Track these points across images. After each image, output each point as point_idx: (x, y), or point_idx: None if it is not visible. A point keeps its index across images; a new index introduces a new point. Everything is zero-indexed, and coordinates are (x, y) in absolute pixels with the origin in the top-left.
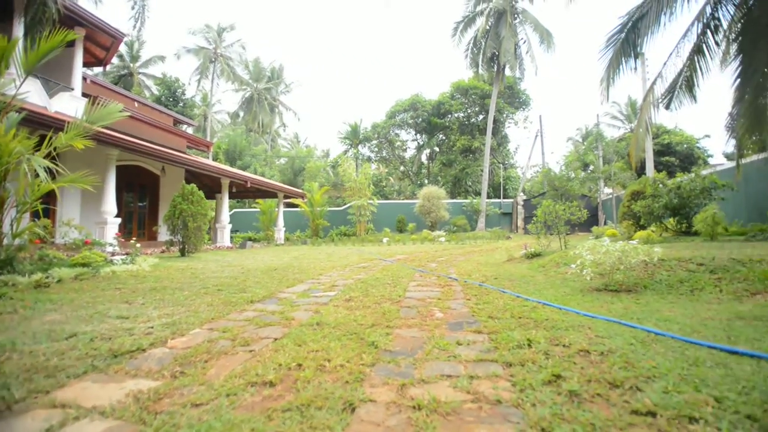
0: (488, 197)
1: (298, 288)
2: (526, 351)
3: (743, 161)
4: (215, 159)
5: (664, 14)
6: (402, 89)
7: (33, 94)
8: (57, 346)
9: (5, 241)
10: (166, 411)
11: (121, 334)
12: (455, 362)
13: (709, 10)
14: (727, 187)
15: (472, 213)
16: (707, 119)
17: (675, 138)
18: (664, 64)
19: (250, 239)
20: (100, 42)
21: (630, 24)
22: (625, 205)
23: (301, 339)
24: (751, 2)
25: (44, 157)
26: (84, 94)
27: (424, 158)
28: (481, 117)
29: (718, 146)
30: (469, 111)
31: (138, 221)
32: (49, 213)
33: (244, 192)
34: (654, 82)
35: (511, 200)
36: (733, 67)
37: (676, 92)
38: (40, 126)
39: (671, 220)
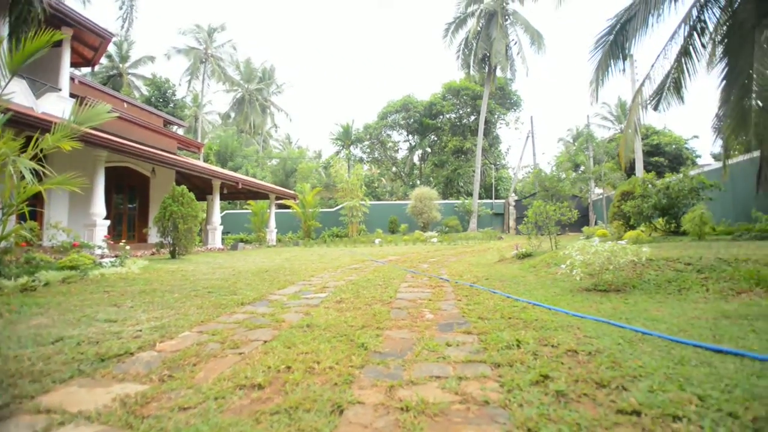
0: (480, 198)
1: (289, 290)
2: (514, 351)
3: (730, 162)
4: (206, 160)
5: (652, 16)
6: (394, 90)
7: (19, 94)
8: (43, 350)
9: None
10: (153, 415)
11: (109, 338)
12: (444, 363)
13: (695, 12)
14: (715, 187)
15: (464, 214)
16: (695, 120)
17: (664, 139)
18: (652, 65)
19: (241, 241)
20: (88, 42)
21: (618, 26)
22: (615, 206)
23: (290, 341)
24: (736, 5)
25: (31, 159)
26: (72, 95)
27: (416, 159)
28: (472, 118)
29: (705, 147)
30: (460, 112)
31: (128, 223)
32: (36, 215)
33: (235, 193)
34: (642, 84)
35: (503, 201)
36: (719, 69)
37: (664, 93)
38: (27, 127)
39: (660, 220)
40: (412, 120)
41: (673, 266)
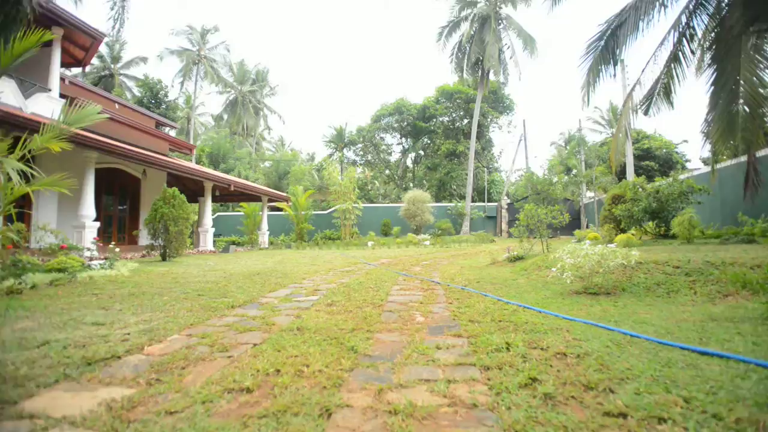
0: (473, 201)
1: (280, 293)
2: (504, 354)
3: (718, 166)
4: (198, 162)
5: (642, 22)
6: (387, 93)
7: (8, 94)
8: (28, 354)
9: None
10: (140, 419)
11: (96, 341)
12: (434, 366)
13: (684, 19)
14: (704, 191)
15: (456, 216)
16: (685, 125)
17: (654, 143)
18: (642, 71)
19: (233, 243)
20: (79, 42)
21: (609, 31)
22: (606, 209)
23: (280, 344)
24: (724, 12)
25: (18, 160)
26: (62, 95)
27: (409, 162)
28: (465, 121)
29: (695, 151)
30: (453, 115)
31: (118, 225)
32: (24, 217)
33: (227, 195)
34: (633, 89)
35: (496, 204)
36: (708, 75)
37: (654, 98)
38: (15, 127)
39: (650, 223)
40: (405, 123)
41: (662, 269)
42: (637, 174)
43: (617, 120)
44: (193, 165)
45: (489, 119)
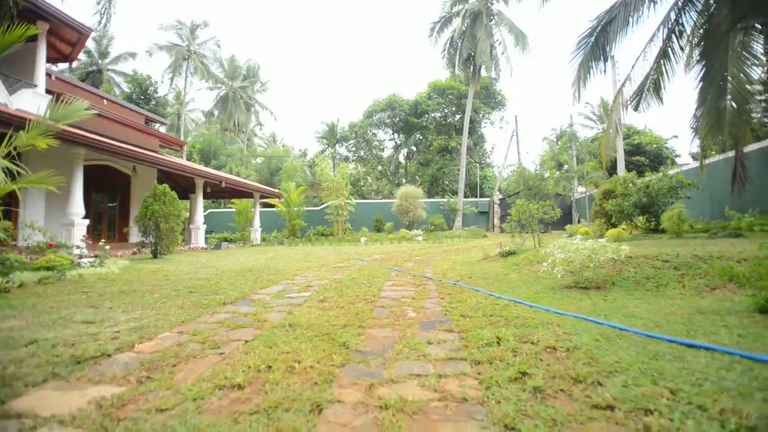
0: (465, 196)
1: (272, 289)
2: (494, 349)
3: (707, 161)
4: (189, 158)
5: (632, 18)
6: (379, 89)
7: None
8: (15, 353)
9: None
10: (130, 417)
11: (86, 340)
12: (425, 361)
13: (673, 15)
14: (693, 186)
15: (449, 212)
16: (675, 120)
17: (645, 138)
18: (633, 67)
19: (225, 240)
20: (65, 37)
21: (599, 28)
22: (597, 204)
23: (272, 341)
24: (712, 9)
25: (4, 157)
26: (48, 91)
27: (401, 158)
28: (457, 117)
29: (684, 146)
30: (445, 111)
31: (108, 222)
32: (11, 215)
33: (219, 192)
34: (623, 85)
35: (488, 199)
36: (697, 71)
37: (644, 94)
38: None
39: (641, 218)
40: (397, 119)
41: (652, 263)
42: (628, 169)
43: (608, 116)
44: (183, 161)
45: (481, 115)
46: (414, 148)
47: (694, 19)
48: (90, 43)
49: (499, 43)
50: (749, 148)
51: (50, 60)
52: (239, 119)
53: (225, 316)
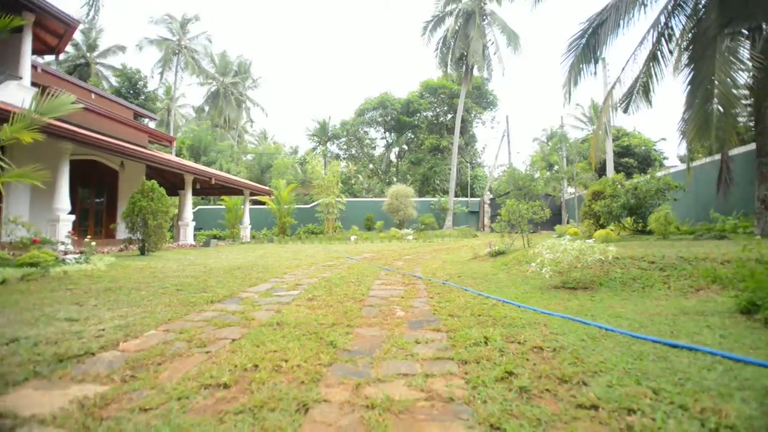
0: (456, 196)
1: (261, 287)
2: (482, 348)
3: (694, 164)
4: (179, 154)
5: (623, 20)
6: (371, 87)
7: None
8: None
9: None
10: (113, 417)
11: (69, 338)
12: (412, 361)
13: (663, 19)
14: (680, 188)
15: (440, 211)
16: (663, 123)
17: (634, 140)
18: (623, 69)
19: (214, 237)
20: (52, 28)
21: (590, 30)
22: (586, 205)
23: (259, 339)
24: (701, 14)
25: None
26: (34, 84)
27: (392, 156)
28: (449, 116)
29: (672, 149)
30: (437, 110)
31: (95, 219)
32: None
33: (209, 189)
34: (613, 87)
35: (479, 199)
36: (685, 74)
37: (634, 97)
38: None
39: (629, 219)
40: (389, 117)
41: (638, 264)
42: (617, 171)
43: (598, 117)
44: (173, 157)
45: (473, 114)
46: (405, 147)
47: (683, 22)
48: (78, 36)
49: (492, 43)
50: (734, 151)
51: (36, 52)
52: (230, 115)
53: (212, 315)
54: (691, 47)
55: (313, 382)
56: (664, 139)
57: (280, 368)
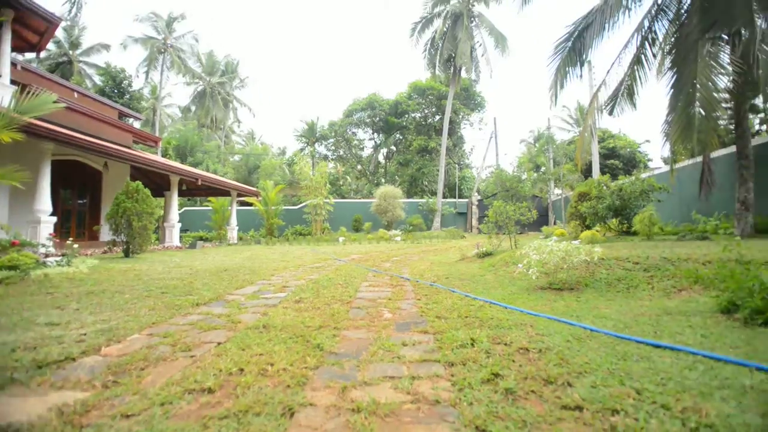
0: (444, 197)
1: (247, 290)
2: (468, 350)
3: (677, 166)
4: (164, 155)
5: (608, 23)
6: (359, 88)
7: None
8: None
9: None
10: (93, 424)
11: (49, 343)
12: (399, 363)
13: (647, 23)
14: (663, 189)
15: (428, 212)
16: (648, 125)
17: (619, 142)
18: (608, 72)
19: (201, 239)
20: (32, 25)
21: (576, 33)
22: (572, 206)
23: (245, 343)
24: (683, 18)
25: None
26: (13, 82)
27: (381, 157)
28: (437, 118)
29: (656, 151)
30: (426, 111)
31: (77, 220)
32: None
33: (195, 190)
34: (598, 89)
35: (466, 200)
36: (668, 78)
37: (618, 99)
38: None
39: (614, 220)
40: (377, 118)
41: (623, 265)
42: (603, 172)
43: (584, 119)
44: (158, 158)
45: (461, 116)
46: (394, 148)
47: (666, 27)
48: (60, 33)
49: (480, 45)
50: (716, 154)
51: (15, 49)
52: (217, 115)
53: (198, 318)
54: (673, 51)
55: (299, 386)
56: (648, 141)
57: (265, 372)
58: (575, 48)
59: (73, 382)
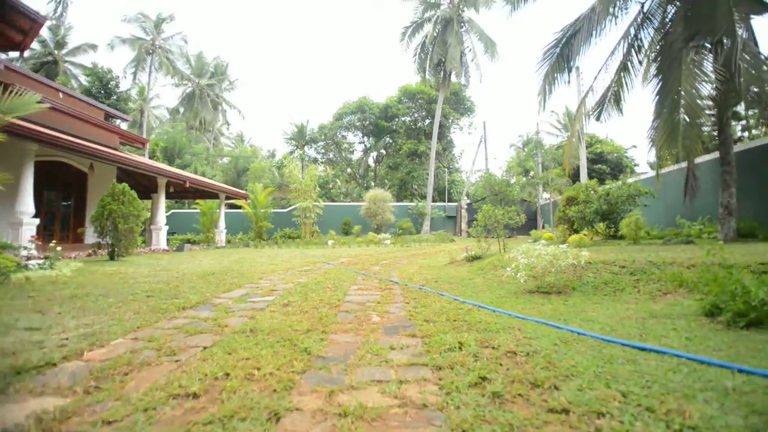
0: (433, 201)
1: (235, 293)
2: (456, 354)
3: (663, 171)
4: (152, 157)
5: (595, 31)
6: (350, 91)
7: None
8: None
9: None
10: (73, 431)
11: (29, 348)
12: (386, 367)
13: (633, 31)
14: (649, 194)
15: (417, 216)
16: (634, 131)
17: (606, 147)
18: (595, 78)
19: (188, 241)
20: (16, 24)
21: (564, 40)
22: (560, 210)
23: (231, 347)
24: (668, 27)
25: None
26: None
27: (371, 161)
28: (427, 121)
29: (643, 156)
30: (416, 115)
31: (61, 222)
32: None
33: (183, 192)
34: (586, 95)
35: (456, 204)
36: (654, 84)
37: (605, 105)
38: None
39: (601, 224)
40: (367, 122)
41: (610, 269)
42: (590, 177)
43: (572, 125)
44: (145, 160)
45: (450, 120)
46: (383, 152)
47: (652, 35)
48: (45, 32)
49: (470, 50)
50: (700, 159)
51: None
52: (206, 117)
53: (184, 321)
54: (659, 59)
55: (285, 390)
56: (635, 146)
57: (252, 376)
58: (563, 54)
59: (53, 388)
